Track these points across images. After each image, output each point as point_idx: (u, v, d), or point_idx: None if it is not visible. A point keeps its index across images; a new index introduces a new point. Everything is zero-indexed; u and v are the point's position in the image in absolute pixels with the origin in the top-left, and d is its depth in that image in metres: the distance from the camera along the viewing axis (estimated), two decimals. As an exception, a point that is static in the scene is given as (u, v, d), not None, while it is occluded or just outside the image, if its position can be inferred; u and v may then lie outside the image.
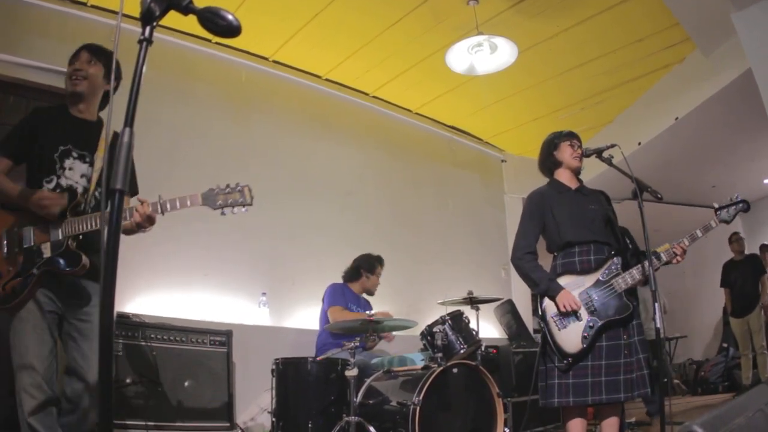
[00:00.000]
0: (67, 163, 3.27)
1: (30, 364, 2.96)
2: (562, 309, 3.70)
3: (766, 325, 8.89)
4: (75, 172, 3.28)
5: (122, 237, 3.19)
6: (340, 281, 6.31)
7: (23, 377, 2.96)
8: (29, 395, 2.93)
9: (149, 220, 3.11)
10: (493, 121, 9.30)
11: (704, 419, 2.12)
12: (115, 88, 3.16)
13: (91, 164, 3.32)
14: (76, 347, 3.16)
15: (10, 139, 3.35)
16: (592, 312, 3.69)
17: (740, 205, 4.00)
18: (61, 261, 3.09)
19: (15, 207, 3.14)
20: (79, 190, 3.24)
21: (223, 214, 3.17)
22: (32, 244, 3.09)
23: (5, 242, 3.09)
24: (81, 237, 3.14)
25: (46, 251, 3.08)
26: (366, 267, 6.34)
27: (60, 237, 3.09)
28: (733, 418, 2.19)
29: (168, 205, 3.12)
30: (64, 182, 3.23)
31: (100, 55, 3.43)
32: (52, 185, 3.21)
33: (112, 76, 2.53)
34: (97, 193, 3.27)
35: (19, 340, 3.01)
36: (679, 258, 3.87)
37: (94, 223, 3.08)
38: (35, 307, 3.05)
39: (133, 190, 3.50)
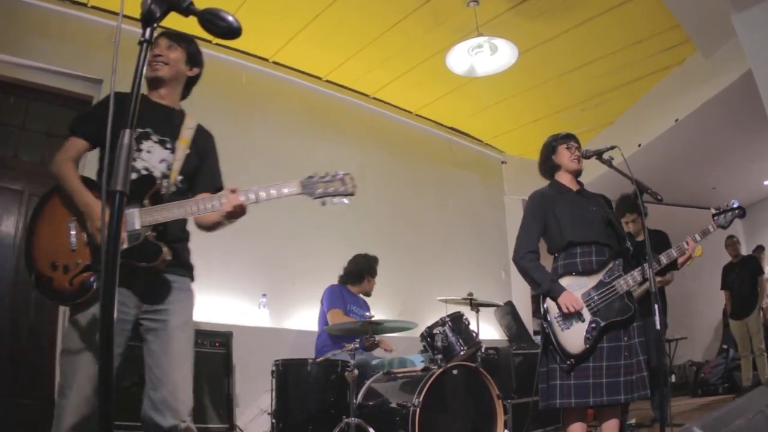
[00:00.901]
0: (145, 145, 2.99)
1: (76, 380, 2.65)
2: (565, 310, 3.70)
3: (764, 327, 8.90)
4: (154, 156, 3.00)
5: (203, 233, 3.11)
6: (336, 282, 6.30)
7: (62, 384, 2.68)
8: (67, 413, 2.61)
9: (241, 210, 2.84)
10: (493, 123, 9.30)
11: (704, 421, 2.12)
12: (199, 75, 3.29)
13: (173, 151, 3.06)
14: (148, 351, 2.89)
15: (88, 118, 3.05)
16: (594, 313, 3.70)
17: (736, 211, 4.03)
18: (139, 253, 2.76)
19: None
20: (157, 174, 2.95)
21: (323, 204, 2.95)
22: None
23: (73, 232, 2.79)
24: (161, 227, 2.84)
25: (124, 242, 2.69)
26: (369, 271, 6.34)
27: (137, 227, 2.75)
28: (734, 420, 2.19)
29: (263, 194, 2.87)
30: (140, 164, 2.93)
31: (180, 40, 3.22)
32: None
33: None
34: (179, 182, 3.04)
35: (73, 340, 2.72)
36: (684, 258, 3.91)
37: (176, 212, 2.81)
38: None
39: (218, 185, 3.20)
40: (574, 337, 3.70)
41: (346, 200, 2.95)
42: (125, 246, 2.69)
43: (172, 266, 2.92)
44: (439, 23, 6.70)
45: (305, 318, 6.81)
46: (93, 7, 6.14)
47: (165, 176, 2.98)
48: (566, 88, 8.12)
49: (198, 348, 5.29)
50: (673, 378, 10.96)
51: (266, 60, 7.46)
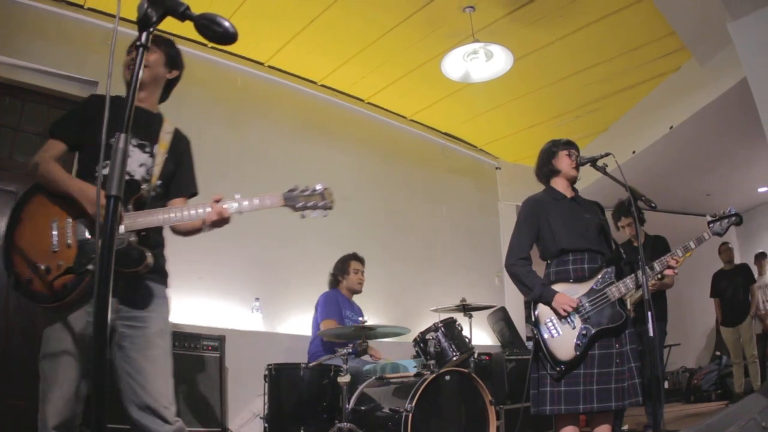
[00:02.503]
0: None
1: (58, 383, 2.64)
2: (562, 312, 3.70)
3: (756, 335, 8.92)
4: (133, 160, 2.98)
5: (178, 237, 3.13)
6: (329, 289, 6.31)
7: (44, 388, 2.64)
8: (50, 416, 2.61)
9: (225, 220, 2.93)
10: (487, 129, 9.31)
11: (697, 428, 2.13)
12: (178, 78, 3.26)
13: (152, 156, 3.06)
14: (125, 358, 2.79)
15: (65, 120, 3.04)
16: (585, 320, 3.69)
17: (733, 218, 3.99)
18: (123, 259, 2.72)
19: (67, 196, 2.79)
20: (137, 178, 2.96)
21: (303, 216, 3.13)
22: (87, 237, 2.76)
23: (54, 233, 2.75)
24: (143, 232, 2.85)
25: None
26: (339, 271, 6.35)
27: (121, 231, 2.72)
28: (726, 427, 2.20)
29: (246, 204, 2.96)
30: None
31: (160, 42, 3.19)
32: (106, 170, 2.75)
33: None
34: (158, 187, 3.03)
35: (52, 352, 2.69)
36: (675, 270, 3.89)
37: (160, 218, 2.85)
38: (83, 316, 2.73)
39: (192, 191, 3.30)
40: (564, 344, 3.69)
41: (325, 213, 3.15)
42: None
43: (151, 272, 2.89)
44: (434, 29, 6.71)
45: (298, 322, 6.80)
46: (89, 9, 6.14)
47: (145, 180, 2.98)
48: (561, 94, 8.13)
49: (190, 351, 5.36)
50: (666, 384, 10.98)
51: (261, 64, 7.47)
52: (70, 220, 2.76)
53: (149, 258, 2.78)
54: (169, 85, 3.33)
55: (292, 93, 7.81)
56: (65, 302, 2.68)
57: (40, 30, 5.86)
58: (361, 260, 6.41)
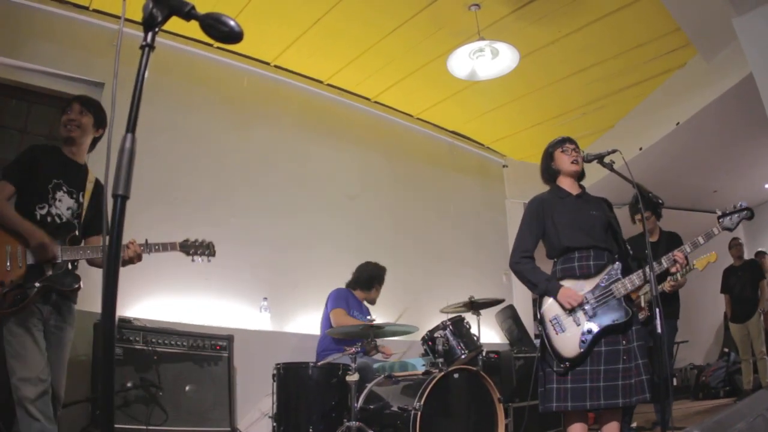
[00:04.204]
0: (58, 195, 3.75)
1: (31, 359, 3.39)
2: (567, 306, 3.70)
3: (765, 331, 8.88)
4: (63, 204, 3.76)
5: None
6: (343, 286, 6.31)
7: (22, 370, 3.35)
8: (30, 384, 3.33)
9: (138, 258, 3.74)
10: (494, 127, 9.30)
11: (706, 424, 2.12)
12: (101, 135, 4.00)
13: (78, 201, 3.84)
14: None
15: (15, 166, 3.73)
16: (590, 317, 3.69)
17: (744, 212, 3.89)
18: (63, 280, 3.60)
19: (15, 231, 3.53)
20: (63, 219, 3.73)
21: (193, 260, 4.09)
22: (35, 262, 3.49)
23: (9, 256, 3.45)
24: (75, 263, 3.70)
25: (48, 270, 3.53)
26: (378, 279, 6.39)
27: (60, 260, 3.57)
28: (734, 424, 2.19)
29: (153, 247, 3.83)
30: (54, 211, 3.71)
31: (90, 106, 3.94)
32: (44, 212, 3.66)
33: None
34: (81, 227, 3.84)
35: (17, 339, 3.39)
36: (679, 266, 3.86)
37: (89, 252, 3.68)
38: (36, 312, 3.50)
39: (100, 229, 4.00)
40: (569, 341, 3.69)
41: (209, 260, 4.16)
42: (50, 273, 3.52)
43: (74, 295, 3.76)
44: (440, 27, 6.71)
45: (306, 321, 6.81)
46: (95, 11, 6.15)
47: (69, 222, 3.77)
48: (567, 91, 8.12)
49: (199, 351, 5.40)
50: (674, 381, 10.95)
51: (267, 64, 7.47)
52: (20, 247, 3.48)
53: (80, 281, 3.68)
54: (95, 141, 4.04)
55: (298, 93, 7.81)
56: (20, 308, 3.40)
57: (46, 32, 5.89)
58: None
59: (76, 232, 3.74)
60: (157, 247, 3.83)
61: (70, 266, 3.66)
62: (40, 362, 3.40)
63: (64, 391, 3.67)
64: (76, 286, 3.68)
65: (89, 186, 3.93)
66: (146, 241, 3.78)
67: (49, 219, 3.67)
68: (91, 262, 3.86)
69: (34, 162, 3.73)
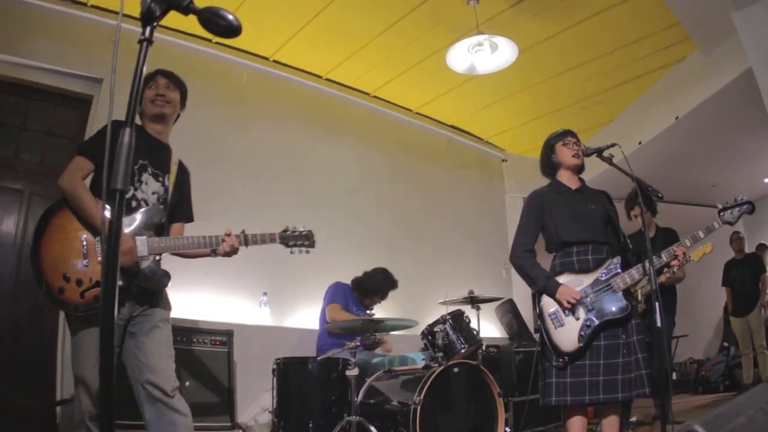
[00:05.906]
0: (144, 177, 3.35)
1: (93, 375, 3.00)
2: (565, 304, 3.70)
3: (766, 325, 8.89)
4: (149, 188, 3.37)
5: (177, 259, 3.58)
6: (345, 281, 6.29)
7: (85, 386, 3.01)
8: (92, 402, 3.01)
9: (235, 251, 3.51)
10: (493, 121, 9.30)
11: (705, 418, 2.12)
12: (178, 115, 3.62)
13: (164, 185, 3.45)
14: (135, 344, 3.21)
15: (95, 142, 3.30)
16: (589, 311, 3.69)
17: (745, 206, 3.88)
18: (151, 275, 3.25)
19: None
20: (149, 204, 3.33)
21: (291, 252, 3.93)
22: None
23: (84, 244, 3.09)
24: (160, 255, 3.31)
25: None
26: (381, 294, 6.31)
27: (146, 253, 3.18)
28: (734, 417, 2.19)
29: (250, 239, 3.62)
30: (140, 195, 3.30)
31: (175, 79, 3.58)
32: (128, 195, 3.19)
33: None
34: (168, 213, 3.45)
35: (84, 353, 3.03)
36: (679, 259, 3.85)
37: (178, 244, 3.32)
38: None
39: (190, 219, 3.74)
40: (567, 335, 3.70)
41: (308, 252, 3.91)
42: (141, 267, 3.15)
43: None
44: (439, 21, 6.70)
45: (306, 316, 6.81)
46: (93, 7, 6.14)
47: (160, 208, 3.38)
48: (567, 85, 8.12)
49: (199, 346, 5.38)
50: (674, 375, 10.96)
51: (266, 59, 7.47)
52: (98, 237, 3.07)
53: (169, 276, 3.35)
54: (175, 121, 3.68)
55: (298, 87, 7.81)
56: (94, 312, 3.00)
57: (44, 28, 5.87)
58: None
59: (162, 220, 3.34)
60: (255, 239, 3.61)
61: (157, 257, 3.28)
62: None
63: (170, 377, 3.23)
64: (166, 280, 3.37)
65: (173, 168, 3.54)
66: (243, 232, 3.56)
67: (134, 203, 3.24)
68: (180, 253, 3.50)
69: (114, 138, 3.13)
